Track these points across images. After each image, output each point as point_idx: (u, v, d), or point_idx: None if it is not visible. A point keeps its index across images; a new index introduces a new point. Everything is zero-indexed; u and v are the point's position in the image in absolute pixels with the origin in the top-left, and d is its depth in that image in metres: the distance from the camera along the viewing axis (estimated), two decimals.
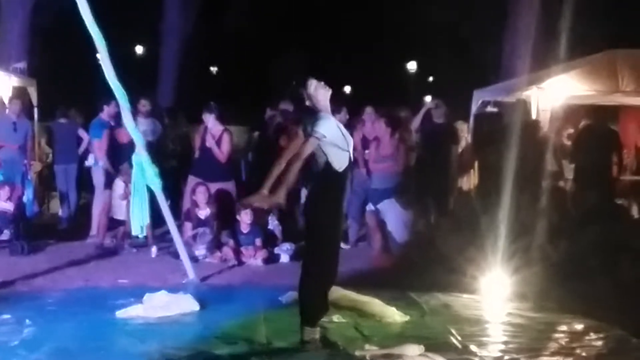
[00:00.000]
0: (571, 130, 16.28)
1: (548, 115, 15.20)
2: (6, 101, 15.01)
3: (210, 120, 12.97)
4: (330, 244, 7.84)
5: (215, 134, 12.98)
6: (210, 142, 12.97)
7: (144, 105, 14.23)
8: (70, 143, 15.27)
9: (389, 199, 12.67)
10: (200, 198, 12.59)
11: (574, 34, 16.03)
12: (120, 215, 12.85)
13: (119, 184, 12.95)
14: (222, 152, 12.97)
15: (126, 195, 12.15)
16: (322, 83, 7.83)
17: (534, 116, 14.89)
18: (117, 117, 12.69)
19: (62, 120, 15.60)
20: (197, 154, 13.40)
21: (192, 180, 13.01)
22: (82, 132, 15.29)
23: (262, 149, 14.73)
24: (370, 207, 12.91)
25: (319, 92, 7.80)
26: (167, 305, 8.91)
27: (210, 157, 13.02)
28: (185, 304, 9.03)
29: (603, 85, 15.30)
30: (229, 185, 13.21)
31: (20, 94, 16.74)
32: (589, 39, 18.50)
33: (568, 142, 16.09)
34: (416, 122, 14.74)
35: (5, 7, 20.83)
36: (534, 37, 18.70)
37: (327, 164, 7.63)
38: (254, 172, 14.27)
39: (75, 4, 9.70)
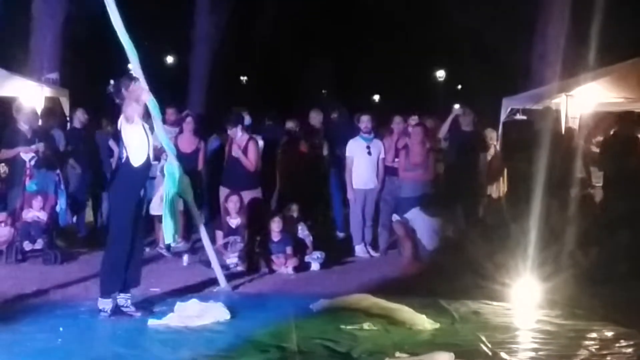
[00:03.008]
0: (600, 138, 16.26)
1: (577, 123, 15.22)
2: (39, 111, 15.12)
3: (235, 130, 13.06)
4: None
5: (241, 143, 13.06)
6: (236, 152, 13.04)
7: (171, 114, 14.32)
8: (103, 153, 15.36)
9: (416, 208, 12.73)
10: (231, 207, 12.63)
11: (603, 41, 16.02)
12: (156, 211, 12.64)
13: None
14: (250, 161, 13.04)
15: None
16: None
17: (563, 123, 14.91)
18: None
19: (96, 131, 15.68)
20: (225, 164, 13.49)
21: (222, 190, 13.07)
22: (112, 143, 15.41)
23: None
24: (395, 216, 12.96)
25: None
26: (199, 314, 8.99)
27: (238, 166, 13.10)
28: (217, 313, 9.09)
29: (632, 92, 15.31)
30: (257, 193, 13.29)
31: (52, 104, 16.93)
32: (618, 46, 18.48)
33: (596, 150, 16.08)
34: (444, 130, 14.74)
35: (38, 19, 21.04)
36: (563, 45, 18.69)
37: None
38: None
39: (107, 14, 9.79)
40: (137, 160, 9.12)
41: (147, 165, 9.29)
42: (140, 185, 9.33)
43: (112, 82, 9.36)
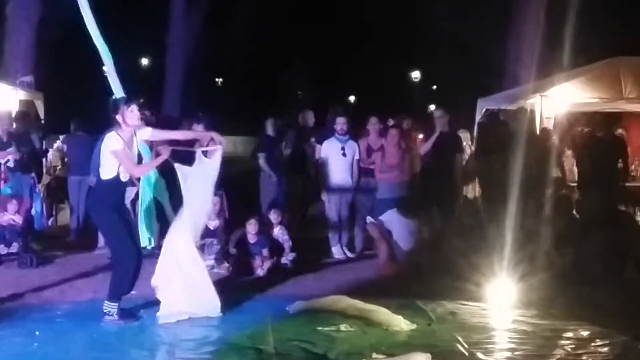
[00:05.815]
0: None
1: (551, 123, 15.29)
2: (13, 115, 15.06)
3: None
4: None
5: (204, 143, 12.95)
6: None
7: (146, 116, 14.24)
8: (86, 155, 15.24)
9: (392, 209, 12.70)
10: (212, 209, 12.55)
11: (578, 42, 16.11)
12: None
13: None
14: None
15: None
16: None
17: (537, 124, 14.97)
18: None
19: (80, 133, 15.53)
20: None
21: None
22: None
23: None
24: (369, 219, 12.93)
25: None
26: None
27: None
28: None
29: (606, 93, 15.40)
30: (221, 195, 13.13)
31: (27, 107, 16.84)
32: (592, 47, 18.59)
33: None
34: (425, 148, 14.44)
35: (12, 21, 20.94)
36: (537, 46, 18.77)
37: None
38: None
39: (81, 17, 9.77)
40: (106, 175, 9.03)
41: (117, 180, 9.08)
42: (113, 196, 9.18)
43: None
